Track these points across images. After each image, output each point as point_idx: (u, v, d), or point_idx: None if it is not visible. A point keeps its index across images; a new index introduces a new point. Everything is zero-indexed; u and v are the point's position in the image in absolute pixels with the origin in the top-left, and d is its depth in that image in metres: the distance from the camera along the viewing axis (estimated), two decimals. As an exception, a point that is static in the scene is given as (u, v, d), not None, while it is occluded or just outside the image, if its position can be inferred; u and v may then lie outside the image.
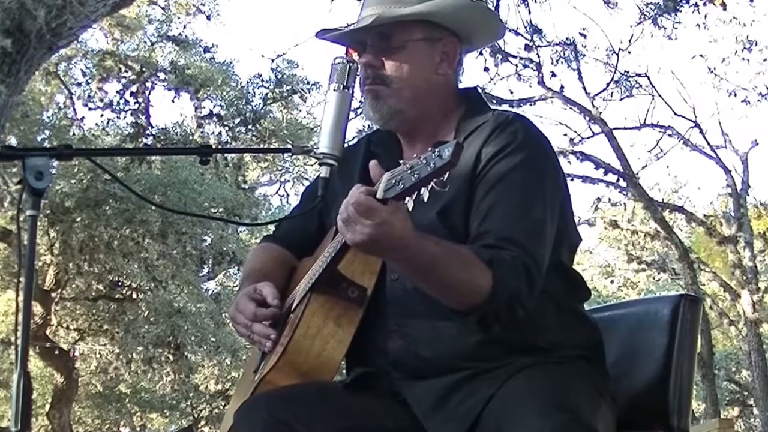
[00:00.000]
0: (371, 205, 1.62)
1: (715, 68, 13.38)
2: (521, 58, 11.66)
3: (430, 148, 1.55)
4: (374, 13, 1.94)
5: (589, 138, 13.18)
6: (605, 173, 13.06)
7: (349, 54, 1.98)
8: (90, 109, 12.02)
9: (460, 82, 2.07)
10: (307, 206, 2.09)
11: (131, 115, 11.74)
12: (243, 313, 1.98)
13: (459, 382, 1.84)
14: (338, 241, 1.82)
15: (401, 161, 1.61)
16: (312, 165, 13.70)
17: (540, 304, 1.83)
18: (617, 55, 12.57)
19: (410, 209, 1.63)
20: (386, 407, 1.90)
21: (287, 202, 15.56)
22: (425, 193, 1.57)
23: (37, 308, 11.87)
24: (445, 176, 1.54)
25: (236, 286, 13.72)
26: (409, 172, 1.57)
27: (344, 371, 2.02)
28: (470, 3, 2.04)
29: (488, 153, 1.88)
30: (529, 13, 10.42)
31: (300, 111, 13.81)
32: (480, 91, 2.12)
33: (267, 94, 12.40)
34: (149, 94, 11.88)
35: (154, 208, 10.80)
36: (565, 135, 13.02)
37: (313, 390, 1.87)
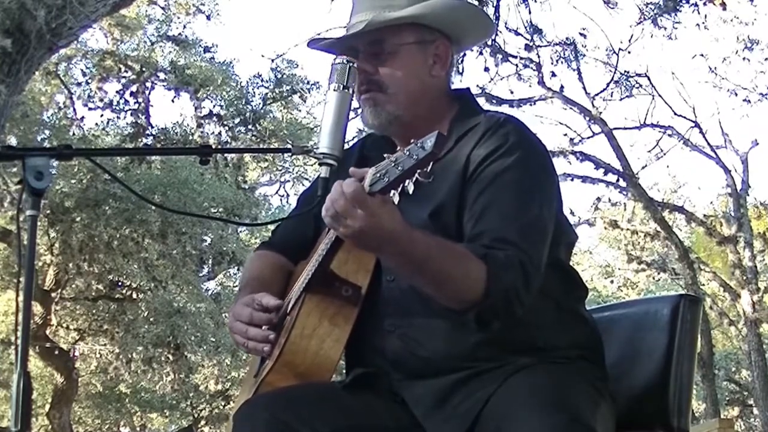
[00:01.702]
0: (358, 197, 1.62)
1: (715, 68, 13.41)
2: (521, 58, 11.68)
3: (413, 140, 1.56)
4: (365, 19, 1.94)
5: (589, 138, 13.21)
6: (605, 173, 13.08)
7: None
8: (90, 109, 12.05)
9: (452, 83, 2.08)
10: (304, 209, 2.09)
11: (131, 115, 11.76)
12: (239, 318, 1.97)
13: (458, 382, 1.84)
14: (329, 239, 1.83)
15: (385, 155, 1.62)
16: (312, 165, 13.70)
17: (538, 304, 1.83)
18: (617, 55, 12.60)
19: (396, 202, 1.63)
20: (387, 406, 1.90)
21: (287, 202, 15.57)
22: (410, 186, 1.57)
23: (37, 308, 11.88)
24: (429, 167, 1.54)
25: (236, 286, 13.72)
26: (393, 165, 1.57)
27: (344, 371, 2.02)
28: (460, 3, 2.04)
29: (480, 155, 1.88)
30: (529, 13, 10.43)
31: (300, 111, 13.84)
32: (475, 92, 2.12)
33: (267, 94, 12.41)
34: (149, 94, 11.90)
35: (154, 208, 10.80)
36: (565, 135, 13.06)
37: (313, 390, 1.87)
